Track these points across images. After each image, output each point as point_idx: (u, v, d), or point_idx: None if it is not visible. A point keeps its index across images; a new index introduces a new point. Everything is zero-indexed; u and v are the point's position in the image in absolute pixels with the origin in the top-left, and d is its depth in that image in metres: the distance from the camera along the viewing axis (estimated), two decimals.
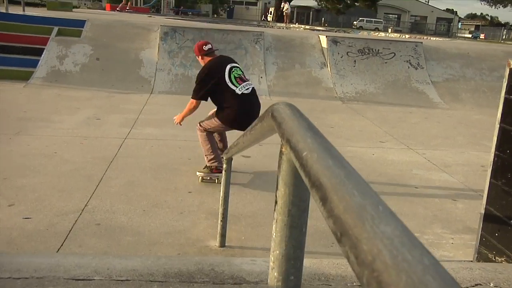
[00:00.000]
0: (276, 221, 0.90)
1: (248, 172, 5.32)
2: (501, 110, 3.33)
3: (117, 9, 24.67)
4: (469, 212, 4.53)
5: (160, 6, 39.49)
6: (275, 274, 0.89)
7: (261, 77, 10.70)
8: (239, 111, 4.77)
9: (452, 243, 3.91)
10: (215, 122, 4.91)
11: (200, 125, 5.03)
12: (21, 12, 13.22)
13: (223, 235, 3.52)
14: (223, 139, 5.40)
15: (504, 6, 72.51)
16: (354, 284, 1.47)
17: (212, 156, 4.91)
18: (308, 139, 0.72)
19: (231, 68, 4.90)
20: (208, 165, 4.94)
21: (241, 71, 5.06)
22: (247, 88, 4.88)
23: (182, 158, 5.68)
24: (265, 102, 9.53)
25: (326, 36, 12.06)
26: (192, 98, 5.04)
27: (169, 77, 10.40)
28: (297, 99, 9.89)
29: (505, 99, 3.29)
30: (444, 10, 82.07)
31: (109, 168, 5.12)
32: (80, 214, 3.94)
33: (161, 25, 11.34)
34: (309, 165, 0.64)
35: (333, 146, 0.72)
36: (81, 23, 11.59)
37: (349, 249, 0.44)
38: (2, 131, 6.25)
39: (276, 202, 0.90)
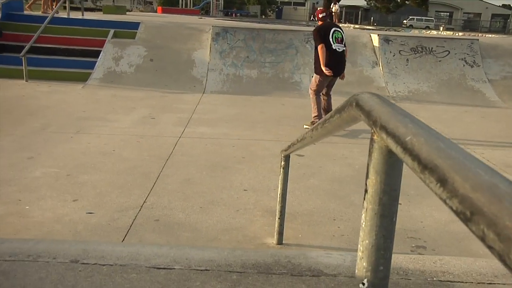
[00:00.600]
0: (366, 210, 0.89)
1: (302, 170, 5.30)
2: None
3: None
4: None
5: (209, 8, 40.00)
6: (364, 264, 0.88)
7: (312, 76, 10.62)
8: (330, 61, 6.92)
9: None
10: (315, 79, 7.21)
11: (310, 88, 7.40)
12: (80, 17, 13.69)
13: (280, 233, 3.52)
14: (328, 103, 7.55)
15: None
16: (434, 279, 1.44)
17: (316, 114, 7.18)
18: (409, 124, 0.70)
19: (334, 30, 7.11)
20: (312, 120, 7.24)
21: (342, 35, 7.21)
22: (339, 48, 7.08)
23: (235, 157, 5.72)
24: None
25: (378, 35, 11.88)
26: (317, 46, 7.03)
27: (221, 77, 10.51)
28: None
29: None
30: (500, 6, 79.15)
31: (165, 166, 5.22)
32: (139, 210, 4.03)
33: (212, 26, 11.48)
34: (417, 148, 0.62)
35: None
36: (135, 25, 11.89)
37: (486, 227, 0.43)
38: (64, 129, 6.49)
39: (366, 191, 0.89)
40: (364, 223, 0.89)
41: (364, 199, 0.89)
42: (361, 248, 0.90)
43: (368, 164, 0.89)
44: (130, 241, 3.49)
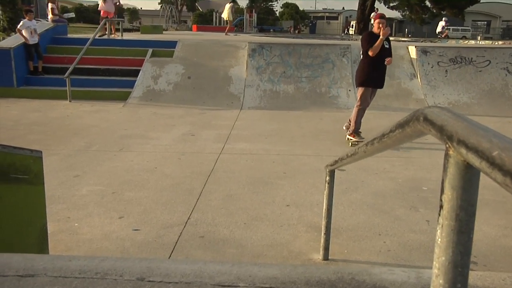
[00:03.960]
0: (442, 226, 0.87)
1: (344, 185, 5.25)
2: None
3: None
4: None
5: (243, 24, 40.40)
6: (440, 281, 0.86)
7: (349, 90, 10.59)
8: (374, 69, 6.99)
9: None
10: (359, 93, 7.17)
11: (356, 106, 7.25)
12: (119, 37, 14.07)
13: (326, 248, 3.49)
14: None
15: None
16: None
17: (354, 127, 7.22)
18: (493, 138, 0.69)
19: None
20: (351, 132, 7.29)
21: (389, 45, 7.20)
22: (384, 59, 7.04)
23: (276, 172, 5.72)
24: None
25: (415, 47, 11.74)
26: (366, 50, 6.96)
27: (258, 93, 10.57)
28: (387, 111, 9.69)
29: None
30: None
31: (208, 182, 5.26)
32: (184, 226, 4.07)
33: (248, 43, 11.60)
34: (508, 163, 0.61)
35: None
36: (172, 44, 12.13)
37: None
38: (108, 148, 6.64)
39: (441, 207, 0.88)
40: (439, 239, 0.88)
41: (439, 215, 0.87)
42: (436, 265, 0.88)
43: (443, 180, 0.88)
44: (177, 258, 3.51)
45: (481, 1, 40.47)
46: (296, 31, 57.67)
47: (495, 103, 10.47)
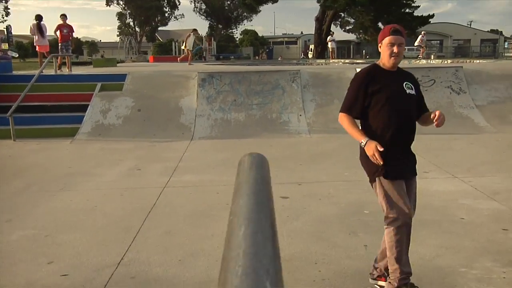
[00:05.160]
0: None
1: (286, 213, 5.20)
2: None
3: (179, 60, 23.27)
4: None
5: (203, 53, 40.53)
6: None
7: (300, 115, 10.66)
8: None
9: (504, 277, 3.64)
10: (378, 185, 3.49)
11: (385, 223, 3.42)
12: (67, 73, 13.89)
13: None
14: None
15: None
16: None
17: (397, 266, 3.35)
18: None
19: None
20: (390, 281, 3.43)
21: None
22: None
23: (220, 204, 5.64)
24: (305, 141, 9.50)
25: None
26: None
27: (209, 122, 10.53)
28: (337, 134, 9.74)
29: None
30: (488, 31, 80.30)
31: (147, 219, 5.14)
32: (116, 268, 3.94)
33: (198, 72, 11.59)
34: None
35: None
36: (122, 77, 12.03)
37: None
38: (47, 188, 6.43)
39: None
40: None
41: None
42: None
43: None
44: None
45: (431, 22, 41.81)
46: (259, 57, 58.36)
47: None
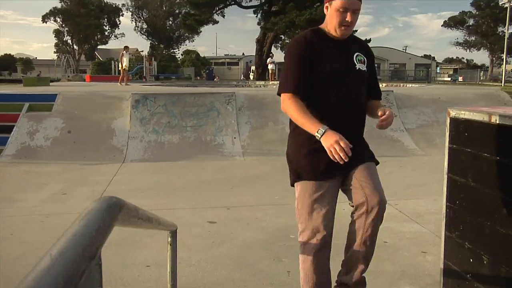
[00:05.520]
0: None
1: (211, 239, 5.13)
2: (447, 159, 3.26)
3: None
4: (439, 265, 4.36)
5: (143, 73, 40.04)
6: None
7: (235, 138, 10.66)
8: None
9: None
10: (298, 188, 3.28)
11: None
12: None
13: None
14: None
15: (478, 50, 75.41)
16: None
17: None
18: None
19: None
20: None
21: None
22: None
23: (146, 230, 5.49)
24: (238, 163, 9.48)
25: None
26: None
27: (142, 145, 10.33)
28: (271, 157, 9.83)
29: (449, 149, 3.23)
30: (421, 56, 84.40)
31: None
32: None
33: (132, 93, 11.39)
34: None
35: None
36: (52, 97, 11.61)
37: None
38: None
39: None
40: None
41: None
42: None
43: None
44: None
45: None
46: (203, 77, 58.22)
47: (373, 143, 10.72)
